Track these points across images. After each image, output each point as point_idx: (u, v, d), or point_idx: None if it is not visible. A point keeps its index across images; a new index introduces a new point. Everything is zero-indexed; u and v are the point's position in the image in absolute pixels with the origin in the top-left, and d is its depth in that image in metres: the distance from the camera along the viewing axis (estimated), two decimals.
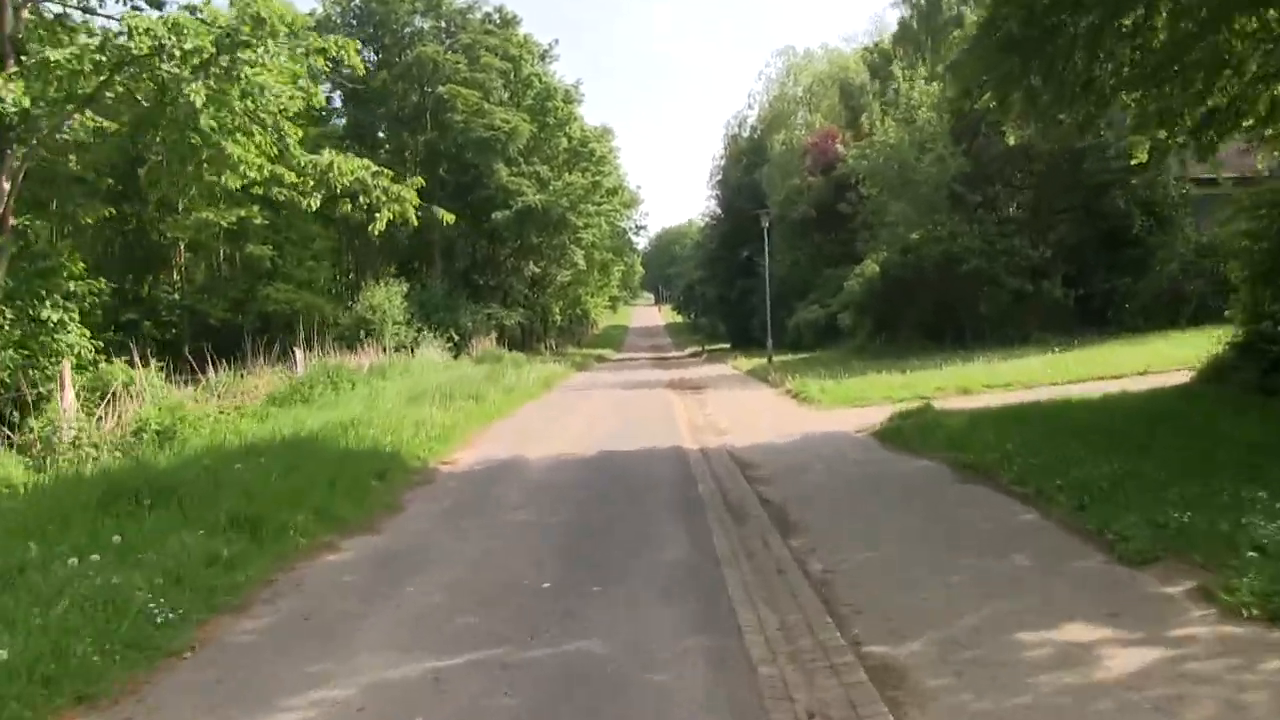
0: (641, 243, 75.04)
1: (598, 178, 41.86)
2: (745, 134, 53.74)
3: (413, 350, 35.85)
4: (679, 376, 27.25)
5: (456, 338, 39.05)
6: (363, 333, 34.87)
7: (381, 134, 44.60)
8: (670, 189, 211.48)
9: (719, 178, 55.60)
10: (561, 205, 39.23)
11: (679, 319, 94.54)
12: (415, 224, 18.25)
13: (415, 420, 13.77)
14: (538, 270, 44.99)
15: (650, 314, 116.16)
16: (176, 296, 39.27)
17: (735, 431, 13.97)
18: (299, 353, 21.60)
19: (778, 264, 47.75)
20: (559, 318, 64.74)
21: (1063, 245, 23.39)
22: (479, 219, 40.61)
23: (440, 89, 39.20)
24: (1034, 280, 23.18)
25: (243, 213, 37.09)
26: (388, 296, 37.28)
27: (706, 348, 55.86)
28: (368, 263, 42.84)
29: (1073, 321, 23.60)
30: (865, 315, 27.45)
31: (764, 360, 28.06)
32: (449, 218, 22.77)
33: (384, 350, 34.08)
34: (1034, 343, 22.52)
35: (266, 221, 37.94)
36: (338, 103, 44.13)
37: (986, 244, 23.10)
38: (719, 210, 54.95)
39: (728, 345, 55.11)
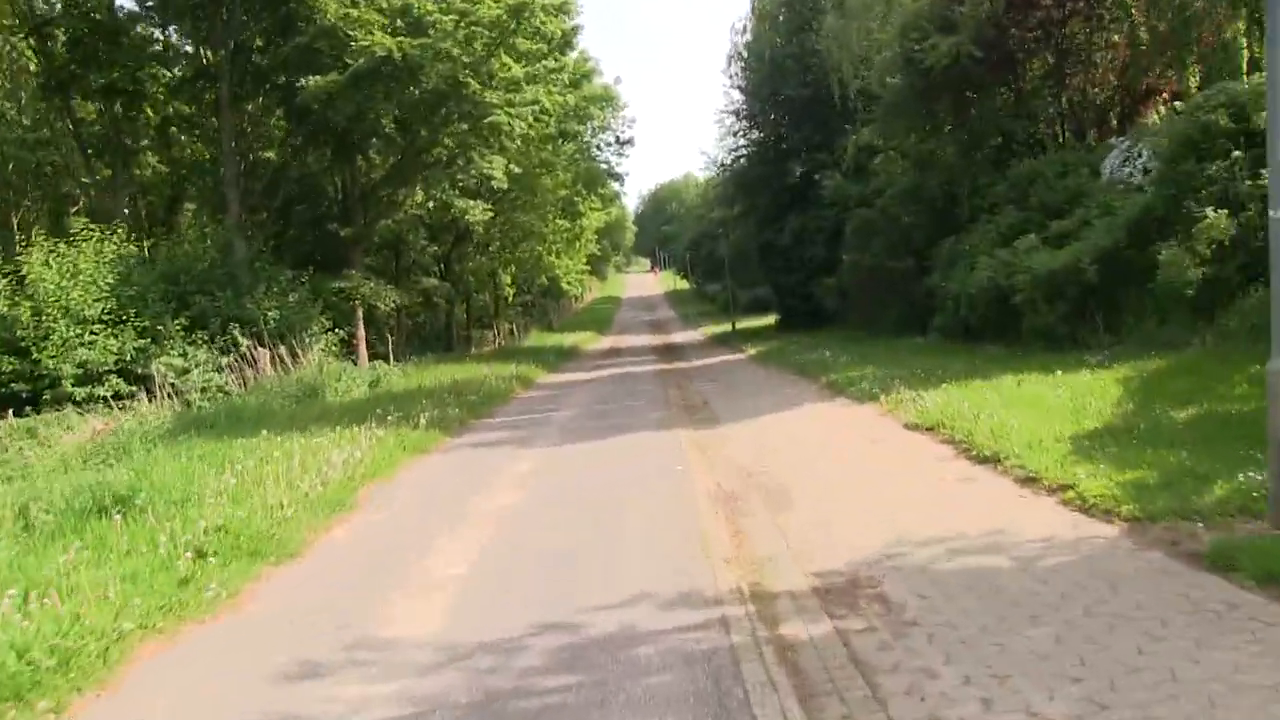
0: (626, 167, 54.26)
1: (525, 5, 20.42)
2: None
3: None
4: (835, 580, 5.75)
5: (246, 343, 18.78)
6: None
7: None
8: (660, 143, 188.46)
9: (742, 56, 34.42)
10: (449, 58, 18.56)
11: (681, 285, 75.89)
12: None
13: None
14: (425, 199, 24.05)
15: (646, 281, 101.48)
16: None
17: None
18: None
19: (874, 179, 26.88)
20: (510, 291, 43.96)
21: None
22: (289, 96, 19.96)
23: None
24: None
25: None
26: (61, 266, 17.08)
27: (736, 326, 35.38)
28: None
29: None
30: None
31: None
32: None
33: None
34: None
35: None
36: None
37: None
38: (744, 103, 33.85)
39: (772, 321, 34.65)
